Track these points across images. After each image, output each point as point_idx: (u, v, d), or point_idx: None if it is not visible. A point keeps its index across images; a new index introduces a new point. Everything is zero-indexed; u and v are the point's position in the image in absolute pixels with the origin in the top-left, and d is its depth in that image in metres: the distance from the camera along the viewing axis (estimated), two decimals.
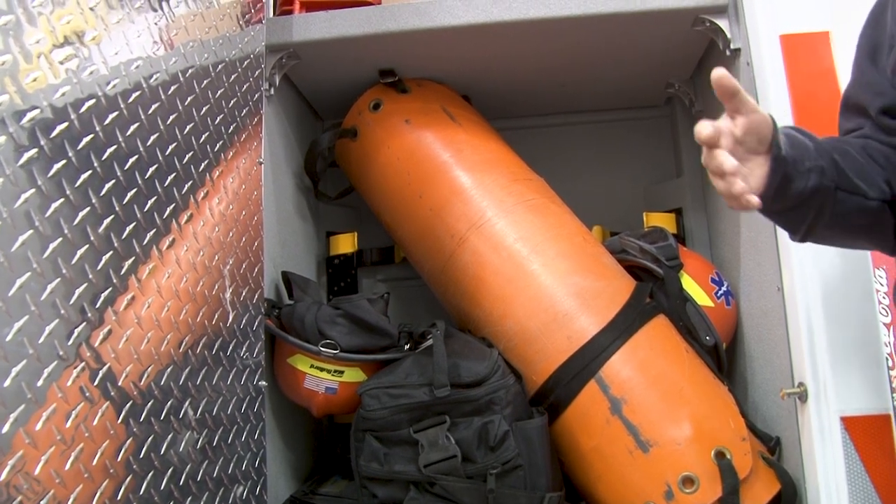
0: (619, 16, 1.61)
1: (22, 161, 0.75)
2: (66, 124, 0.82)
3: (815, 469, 1.28)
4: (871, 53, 1.06)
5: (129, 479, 0.90)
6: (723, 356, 1.66)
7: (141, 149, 0.98)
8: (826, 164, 0.96)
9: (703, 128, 0.87)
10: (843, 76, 1.40)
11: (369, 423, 1.45)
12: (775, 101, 1.42)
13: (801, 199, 0.96)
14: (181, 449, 1.04)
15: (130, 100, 0.97)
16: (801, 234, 1.03)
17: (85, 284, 0.83)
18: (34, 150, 0.76)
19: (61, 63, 0.82)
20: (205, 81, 1.22)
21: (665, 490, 1.37)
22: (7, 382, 0.70)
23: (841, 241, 1.14)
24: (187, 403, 1.06)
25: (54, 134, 0.80)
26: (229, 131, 1.31)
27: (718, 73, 0.87)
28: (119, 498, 0.88)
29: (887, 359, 1.28)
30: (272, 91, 1.74)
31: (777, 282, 1.44)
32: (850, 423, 1.27)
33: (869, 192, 0.98)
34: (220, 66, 1.30)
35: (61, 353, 0.78)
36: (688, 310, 1.64)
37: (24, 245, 0.74)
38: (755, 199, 0.89)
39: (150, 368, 0.97)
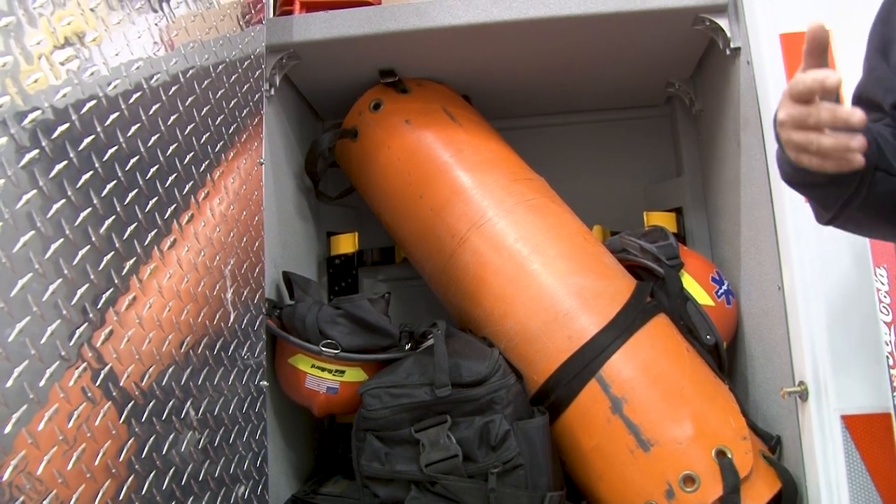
0: (619, 15, 1.61)
1: (23, 162, 0.75)
2: (67, 125, 0.82)
3: (816, 468, 1.28)
4: (881, 49, 1.05)
5: (131, 479, 0.90)
6: (723, 355, 1.66)
7: (142, 149, 0.99)
8: (870, 140, 0.92)
9: (832, 74, 0.81)
10: (844, 75, 1.40)
11: (370, 423, 1.45)
12: (775, 101, 1.41)
13: (842, 174, 0.91)
14: (183, 449, 1.04)
15: (131, 100, 0.97)
16: (833, 212, 1.00)
17: (86, 285, 0.83)
18: (35, 152, 0.76)
19: (62, 64, 0.83)
20: (205, 82, 1.22)
21: (666, 489, 1.37)
22: (9, 383, 0.70)
23: (867, 227, 1.11)
24: (189, 403, 1.07)
25: (55, 135, 0.80)
26: (230, 132, 1.31)
27: (816, 25, 0.82)
28: (121, 498, 0.88)
29: (888, 357, 1.28)
30: (272, 91, 1.74)
31: (778, 281, 1.44)
32: (850, 422, 1.27)
33: None
34: (220, 67, 1.30)
35: (63, 353, 0.78)
36: (688, 309, 1.65)
37: (25, 246, 0.74)
38: (861, 157, 0.85)
39: (151, 369, 0.97)
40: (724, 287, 1.71)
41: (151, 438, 0.96)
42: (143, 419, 0.94)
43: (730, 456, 1.37)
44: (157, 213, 1.01)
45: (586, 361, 1.48)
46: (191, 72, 1.17)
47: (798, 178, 0.96)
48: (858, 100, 1.09)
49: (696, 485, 1.36)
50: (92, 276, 0.85)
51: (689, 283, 1.68)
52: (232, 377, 1.24)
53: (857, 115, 0.81)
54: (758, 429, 1.51)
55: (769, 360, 1.55)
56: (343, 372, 1.56)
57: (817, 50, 0.84)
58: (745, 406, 1.57)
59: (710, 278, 1.70)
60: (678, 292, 1.65)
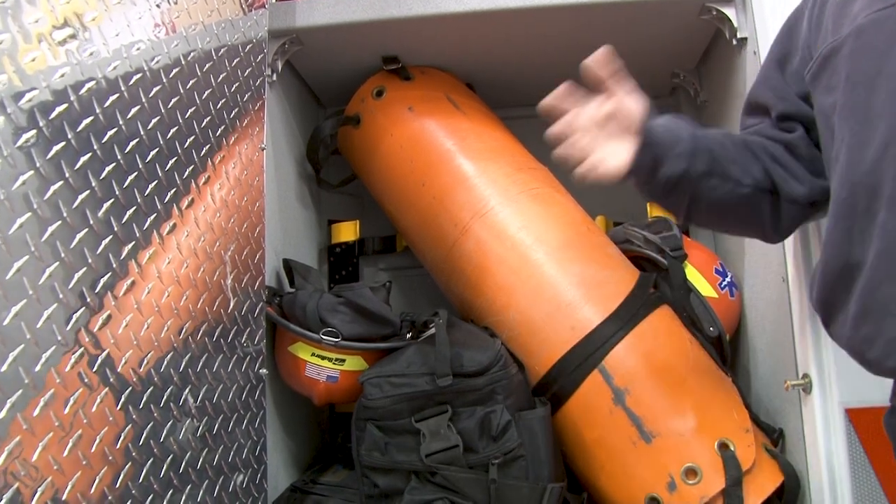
0: (625, 4, 1.60)
1: (20, 142, 0.73)
2: (65, 106, 0.81)
3: (819, 461, 1.28)
4: (780, 60, 1.15)
5: (127, 466, 0.90)
6: (726, 347, 1.66)
7: (142, 132, 0.97)
8: (700, 150, 1.08)
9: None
10: None
11: (370, 412, 1.44)
12: None
13: (672, 182, 1.08)
14: (181, 437, 1.03)
15: (131, 83, 0.95)
16: (682, 217, 1.16)
17: (84, 269, 0.82)
18: (33, 132, 0.75)
19: (61, 44, 0.81)
20: (207, 65, 1.21)
21: (668, 481, 1.36)
22: (4, 367, 0.69)
23: (720, 227, 1.36)
24: (187, 391, 1.06)
25: (53, 115, 0.79)
26: (231, 116, 1.30)
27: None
28: (118, 485, 0.87)
29: None
30: (274, 77, 1.72)
31: (782, 272, 1.42)
32: (854, 415, 1.26)
33: (743, 178, 1.09)
34: (222, 51, 1.28)
35: (60, 338, 0.77)
36: (691, 300, 1.63)
37: (22, 228, 0.72)
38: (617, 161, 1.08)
39: (149, 355, 0.96)
40: (728, 279, 1.70)
41: (149, 426, 0.95)
42: (141, 406, 0.93)
43: (732, 448, 1.36)
44: (156, 197, 1.00)
45: (589, 352, 1.47)
46: (192, 55, 1.15)
47: (642, 190, 1.13)
48: (750, 105, 1.21)
49: (698, 477, 1.35)
50: (90, 260, 0.83)
51: (693, 275, 1.66)
52: (231, 365, 1.23)
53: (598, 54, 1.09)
54: (760, 421, 1.50)
55: (772, 353, 1.54)
56: (343, 360, 1.56)
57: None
58: (747, 398, 1.56)
59: (714, 270, 1.69)
60: (681, 283, 1.64)
